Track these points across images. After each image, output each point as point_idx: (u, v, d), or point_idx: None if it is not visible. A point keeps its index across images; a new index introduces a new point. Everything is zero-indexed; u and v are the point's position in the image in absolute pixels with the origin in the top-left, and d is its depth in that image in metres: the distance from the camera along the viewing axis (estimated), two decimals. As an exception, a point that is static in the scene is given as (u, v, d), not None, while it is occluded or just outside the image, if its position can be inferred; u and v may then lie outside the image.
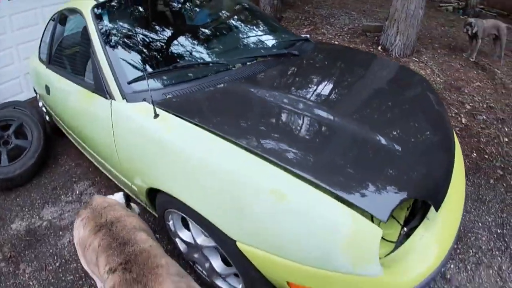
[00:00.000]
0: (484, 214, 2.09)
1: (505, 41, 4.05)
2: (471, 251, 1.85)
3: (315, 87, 1.67)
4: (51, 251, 2.03)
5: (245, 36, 2.22)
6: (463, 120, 3.07)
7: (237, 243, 1.17)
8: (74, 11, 2.18)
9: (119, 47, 1.81)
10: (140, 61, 1.77)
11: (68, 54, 2.43)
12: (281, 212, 1.05)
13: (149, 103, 1.51)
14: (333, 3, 6.30)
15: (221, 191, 1.17)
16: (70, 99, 2.11)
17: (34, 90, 3.29)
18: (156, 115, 1.42)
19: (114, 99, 1.63)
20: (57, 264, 1.94)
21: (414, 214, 1.30)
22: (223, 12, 2.48)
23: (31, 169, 2.60)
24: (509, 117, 3.12)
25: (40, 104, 3.20)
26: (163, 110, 1.45)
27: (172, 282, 1.01)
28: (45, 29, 2.82)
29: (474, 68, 3.98)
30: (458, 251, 1.86)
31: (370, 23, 4.91)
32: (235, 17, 2.42)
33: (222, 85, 1.63)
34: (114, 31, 1.91)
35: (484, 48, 4.35)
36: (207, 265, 1.56)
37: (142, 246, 1.15)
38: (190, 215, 1.35)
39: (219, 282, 1.55)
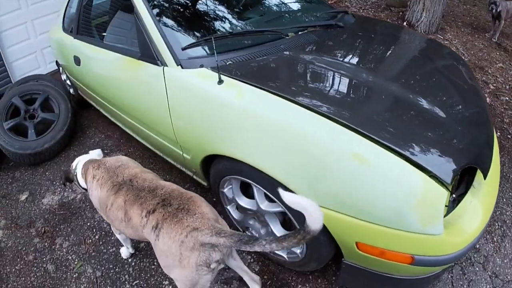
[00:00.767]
0: (509, 190, 2.17)
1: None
2: (497, 224, 1.95)
3: (371, 58, 1.70)
4: (88, 224, 1.99)
5: (293, 6, 2.23)
6: (487, 100, 3.08)
7: None
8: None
9: (169, 12, 1.76)
10: (193, 28, 1.73)
11: (101, 23, 2.36)
12: (364, 175, 1.10)
13: (208, 69, 1.48)
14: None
15: (300, 155, 1.18)
16: (108, 68, 2.06)
17: (57, 63, 3.22)
18: (220, 81, 1.40)
19: (167, 66, 1.59)
20: (97, 237, 1.91)
21: (460, 182, 1.39)
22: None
23: (61, 142, 2.55)
24: (530, 100, 3.13)
25: (64, 77, 3.14)
26: (227, 76, 1.43)
27: (206, 205, 1.20)
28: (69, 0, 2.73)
29: (497, 49, 3.96)
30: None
31: (395, -3, 4.80)
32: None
33: (279, 53, 1.61)
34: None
35: (506, 30, 4.31)
36: (262, 231, 1.58)
37: (171, 187, 1.26)
38: (257, 181, 1.36)
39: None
